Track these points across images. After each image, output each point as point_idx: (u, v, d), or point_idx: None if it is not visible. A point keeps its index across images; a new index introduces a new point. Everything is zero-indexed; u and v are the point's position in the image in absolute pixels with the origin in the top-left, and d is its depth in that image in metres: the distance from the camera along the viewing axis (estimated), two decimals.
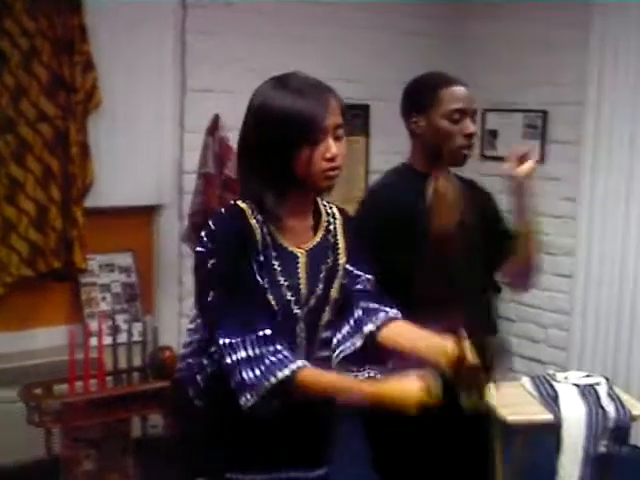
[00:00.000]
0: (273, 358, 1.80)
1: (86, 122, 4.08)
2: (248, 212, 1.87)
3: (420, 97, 2.57)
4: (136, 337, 3.74)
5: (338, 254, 2.03)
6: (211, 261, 1.85)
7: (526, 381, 3.51)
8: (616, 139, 4.60)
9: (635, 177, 4.54)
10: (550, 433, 3.21)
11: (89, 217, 4.07)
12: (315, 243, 1.98)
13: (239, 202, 1.90)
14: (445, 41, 5.45)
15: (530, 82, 5.10)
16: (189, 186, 4.31)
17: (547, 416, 3.23)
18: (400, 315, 2.07)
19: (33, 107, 3.94)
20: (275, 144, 1.84)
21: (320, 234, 2.00)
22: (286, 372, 1.79)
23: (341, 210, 2.11)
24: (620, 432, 3.22)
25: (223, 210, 1.93)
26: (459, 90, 2.56)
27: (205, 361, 1.95)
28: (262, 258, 1.86)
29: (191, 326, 2.02)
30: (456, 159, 2.59)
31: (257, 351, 1.80)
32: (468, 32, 5.43)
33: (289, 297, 1.91)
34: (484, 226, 2.73)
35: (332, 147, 1.86)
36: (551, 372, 3.59)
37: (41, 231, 3.99)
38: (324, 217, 2.03)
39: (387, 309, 2.06)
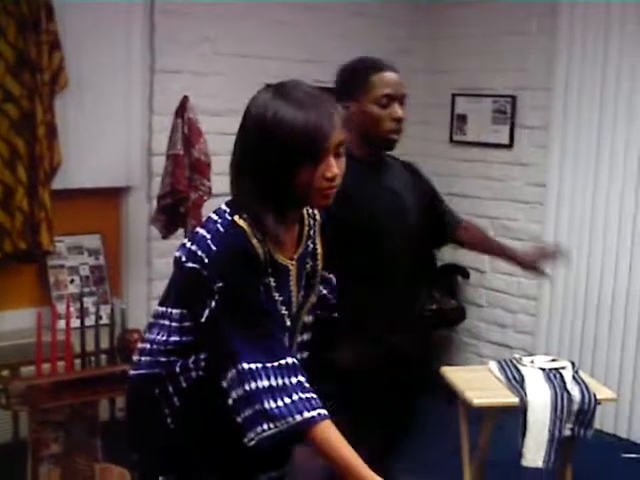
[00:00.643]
0: (302, 395, 1.74)
1: (53, 102, 4.03)
2: (249, 232, 1.79)
3: (351, 83, 2.62)
4: (104, 320, 3.72)
5: (317, 260, 2.02)
6: (218, 284, 1.76)
7: (493, 365, 3.55)
8: (584, 125, 4.63)
9: (603, 163, 4.58)
10: (516, 416, 3.24)
11: (57, 199, 4.03)
12: (300, 251, 1.96)
13: (237, 219, 1.81)
14: (415, 26, 5.46)
15: (499, 67, 5.12)
16: (158, 168, 4.28)
17: (513, 399, 3.27)
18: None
19: None
20: (276, 163, 1.77)
21: (303, 242, 1.97)
22: (314, 414, 1.72)
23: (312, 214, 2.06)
24: (585, 415, 3.26)
25: (221, 227, 1.81)
26: (389, 75, 2.63)
27: (183, 361, 1.89)
28: (265, 280, 1.82)
29: (157, 324, 1.94)
30: (385, 143, 2.65)
31: (280, 381, 1.74)
32: (437, 17, 5.44)
33: (283, 311, 1.89)
34: (422, 208, 2.80)
35: (333, 167, 1.80)
36: (517, 356, 3.63)
37: (7, 212, 3.94)
38: (306, 222, 1.99)
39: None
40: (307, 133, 1.75)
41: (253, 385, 1.73)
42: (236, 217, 1.81)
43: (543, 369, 3.43)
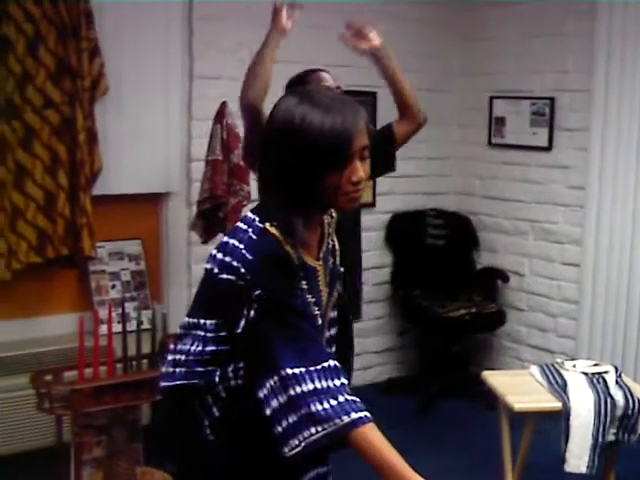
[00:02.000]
0: (347, 397, 1.74)
1: (93, 109, 4.07)
2: (282, 238, 1.79)
3: (294, 83, 3.23)
4: (145, 324, 3.74)
5: (336, 256, 2.05)
6: (256, 292, 1.75)
7: (535, 370, 3.52)
8: (624, 126, 4.58)
9: None
10: (556, 420, 3.22)
11: (97, 204, 4.07)
12: (323, 252, 1.97)
13: (268, 227, 1.81)
14: (452, 28, 5.45)
15: (537, 69, 5.08)
16: (197, 173, 4.30)
17: (556, 404, 3.24)
18: None
19: (39, 93, 3.93)
20: (304, 167, 1.77)
21: (325, 241, 1.99)
22: (361, 415, 1.72)
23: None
24: (629, 420, 3.23)
25: (253, 236, 1.80)
26: (322, 73, 3.30)
27: (222, 371, 1.88)
28: (300, 283, 1.83)
29: (191, 334, 1.92)
30: None
31: (325, 384, 1.74)
32: (475, 19, 5.42)
33: (316, 312, 1.91)
34: None
35: (359, 171, 1.80)
36: (560, 361, 3.60)
37: (49, 218, 3.98)
38: (325, 221, 2.01)
39: None
40: (334, 137, 1.75)
41: (298, 389, 1.72)
42: (267, 225, 1.81)
43: (586, 373, 3.40)
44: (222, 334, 1.86)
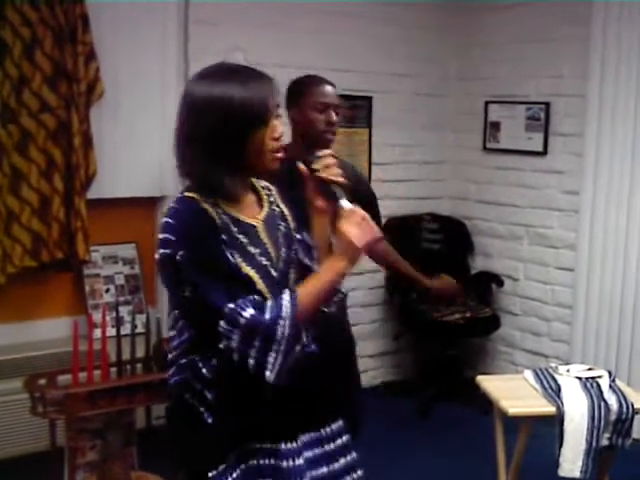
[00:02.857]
0: (270, 302, 1.90)
1: (89, 112, 4.07)
2: (199, 198, 1.93)
3: (294, 91, 3.13)
4: (139, 328, 3.74)
5: (287, 221, 2.15)
6: (180, 253, 1.88)
7: (528, 374, 3.52)
8: (619, 132, 4.59)
9: (638, 170, 4.54)
10: (550, 425, 3.22)
11: (92, 208, 4.07)
12: (266, 213, 2.08)
13: (187, 194, 1.95)
14: (447, 33, 5.46)
15: (532, 74, 5.10)
16: None
17: (549, 409, 3.24)
18: None
19: (35, 97, 3.93)
20: (230, 132, 1.92)
21: (266, 205, 2.11)
22: (286, 298, 1.90)
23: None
24: (622, 425, 3.22)
25: (175, 205, 1.96)
26: (326, 88, 3.13)
27: (201, 355, 1.97)
28: (225, 237, 1.93)
29: (173, 332, 2.03)
30: (321, 142, 3.02)
31: (259, 304, 1.89)
32: (470, 24, 5.43)
33: (265, 262, 2.00)
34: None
35: (278, 127, 1.98)
36: (553, 365, 3.60)
37: (44, 222, 3.99)
38: (262, 191, 2.13)
39: None
40: (255, 99, 1.91)
41: (243, 319, 1.86)
42: (186, 193, 1.96)
43: (580, 378, 3.40)
44: (180, 323, 2.00)
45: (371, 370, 5.40)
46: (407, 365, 5.58)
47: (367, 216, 1.99)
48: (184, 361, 1.99)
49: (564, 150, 4.95)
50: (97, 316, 3.82)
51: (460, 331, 5.07)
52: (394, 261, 3.55)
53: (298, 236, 2.14)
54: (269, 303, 1.89)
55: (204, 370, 1.96)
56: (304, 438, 2.07)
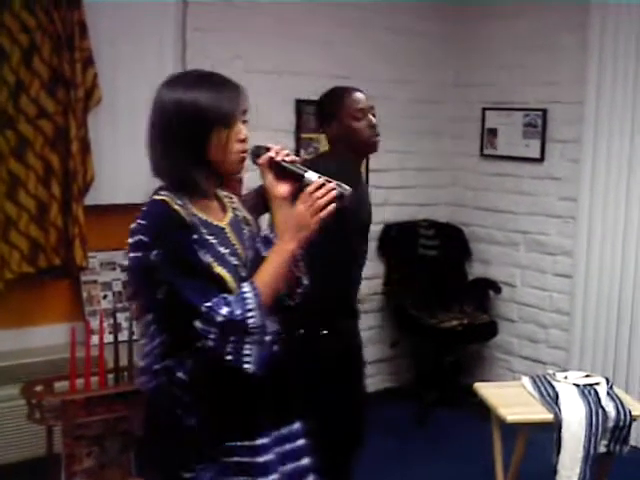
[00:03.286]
0: (232, 297, 1.94)
1: (86, 118, 4.07)
2: (169, 200, 1.98)
3: (329, 107, 3.20)
4: (137, 335, 3.73)
5: (251, 225, 2.22)
6: (154, 253, 1.92)
7: (526, 381, 3.52)
8: (616, 138, 4.60)
9: (635, 177, 4.55)
10: (550, 433, 3.22)
11: (89, 214, 4.06)
12: (230, 218, 2.14)
13: (156, 196, 2.00)
14: (445, 40, 5.48)
15: (529, 81, 5.11)
16: None
17: (547, 416, 3.25)
18: None
19: (33, 103, 3.92)
20: (196, 133, 2.00)
21: (230, 211, 2.17)
22: (255, 290, 1.95)
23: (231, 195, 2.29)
24: (620, 432, 3.24)
25: (146, 207, 2.01)
26: (358, 94, 3.20)
27: (175, 359, 2.00)
28: (196, 236, 1.97)
29: (144, 339, 2.07)
30: (368, 147, 3.23)
31: (229, 300, 1.94)
32: (467, 31, 5.44)
33: (235, 262, 2.05)
34: None
35: (244, 129, 2.05)
36: (551, 372, 3.60)
37: (42, 228, 3.97)
38: (224, 198, 2.19)
39: None
40: (221, 102, 2.00)
41: (220, 317, 1.90)
42: (155, 196, 2.01)
43: (577, 385, 3.41)
44: (152, 328, 2.03)
45: (368, 377, 5.38)
46: (404, 372, 5.57)
47: (320, 190, 2.01)
48: (158, 367, 2.02)
49: (561, 157, 4.96)
50: (95, 323, 3.82)
51: (457, 338, 5.07)
52: None
53: (269, 235, 2.18)
54: (232, 298, 1.93)
55: (179, 374, 1.99)
56: (276, 434, 2.11)
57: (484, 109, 5.37)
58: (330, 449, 3.09)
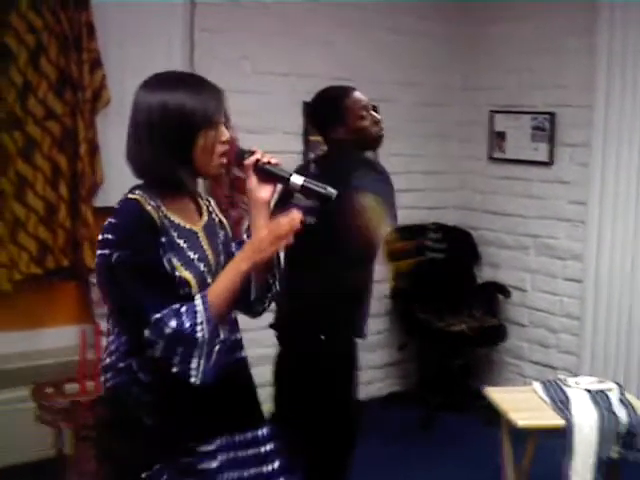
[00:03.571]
0: (184, 308, 1.94)
1: (94, 120, 4.06)
2: (142, 200, 1.99)
3: (332, 112, 3.17)
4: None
5: (226, 230, 2.25)
6: (115, 255, 1.93)
7: (537, 386, 3.50)
8: (625, 142, 4.59)
9: None
10: (561, 438, 3.20)
11: (98, 216, 4.04)
12: (205, 222, 2.16)
13: (130, 195, 2.01)
14: (453, 42, 5.47)
15: (537, 84, 5.10)
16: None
17: (559, 421, 3.23)
18: None
19: (41, 104, 3.92)
20: (181, 134, 2.01)
21: (205, 214, 2.18)
22: (205, 303, 1.95)
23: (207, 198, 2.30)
24: (632, 438, 3.21)
25: (118, 205, 2.02)
26: (355, 94, 3.20)
27: (137, 358, 2.01)
28: (164, 239, 1.98)
29: (111, 336, 2.09)
30: (376, 143, 3.28)
31: (180, 311, 1.94)
32: (475, 34, 5.44)
33: (202, 268, 2.05)
34: None
35: (226, 131, 2.07)
36: (562, 377, 3.59)
37: (50, 229, 3.97)
38: (201, 203, 2.20)
39: None
40: (203, 104, 2.01)
41: (169, 328, 1.90)
42: (129, 194, 2.02)
43: (589, 390, 3.39)
44: (117, 329, 2.06)
45: (376, 381, 5.37)
46: (411, 375, 5.55)
47: (289, 218, 2.00)
48: (122, 365, 2.04)
49: (570, 160, 4.94)
50: (104, 325, 3.78)
51: (466, 341, 5.05)
52: None
53: (237, 241, 2.21)
54: (183, 309, 1.93)
55: (140, 374, 2.01)
56: (230, 439, 2.12)
57: (492, 112, 5.35)
58: (324, 451, 3.13)
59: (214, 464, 2.06)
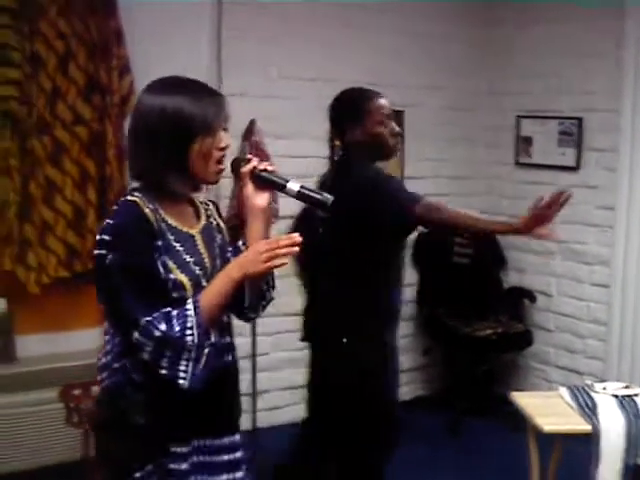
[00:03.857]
0: (175, 312, 1.95)
1: (123, 125, 4.09)
2: (141, 203, 1.99)
3: (353, 111, 3.15)
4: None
5: (223, 234, 2.24)
6: (110, 256, 1.94)
7: (564, 391, 3.48)
8: None
9: None
10: (588, 444, 3.18)
11: None
12: (203, 225, 2.17)
13: (129, 197, 2.02)
14: (478, 47, 5.45)
15: (564, 89, 5.07)
16: (226, 190, 4.31)
17: (585, 427, 3.20)
18: None
19: (69, 110, 3.97)
20: (178, 139, 2.01)
21: (204, 218, 2.19)
22: (197, 308, 1.95)
23: (211, 201, 2.30)
24: None
25: (116, 207, 2.04)
26: (382, 100, 3.16)
27: (131, 359, 2.02)
28: (160, 242, 1.99)
29: (107, 337, 2.10)
30: (390, 154, 3.23)
31: (171, 316, 1.95)
32: (502, 38, 5.42)
33: (198, 272, 2.06)
34: None
35: (224, 138, 2.07)
36: (589, 382, 3.56)
37: (78, 233, 4.01)
38: (199, 205, 2.21)
39: None
40: (202, 110, 2.01)
41: (158, 332, 1.91)
42: (128, 196, 2.03)
43: (616, 396, 3.36)
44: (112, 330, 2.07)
45: (401, 385, 5.35)
46: (436, 380, 5.54)
47: (274, 242, 1.98)
48: (117, 365, 2.06)
49: (597, 165, 4.91)
50: None
51: (492, 346, 5.03)
52: (469, 224, 3.10)
53: (232, 247, 2.22)
54: (174, 313, 1.94)
55: (134, 375, 2.02)
56: (203, 442, 2.13)
57: (518, 117, 5.34)
58: (361, 452, 3.15)
59: (184, 466, 2.07)
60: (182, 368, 1.94)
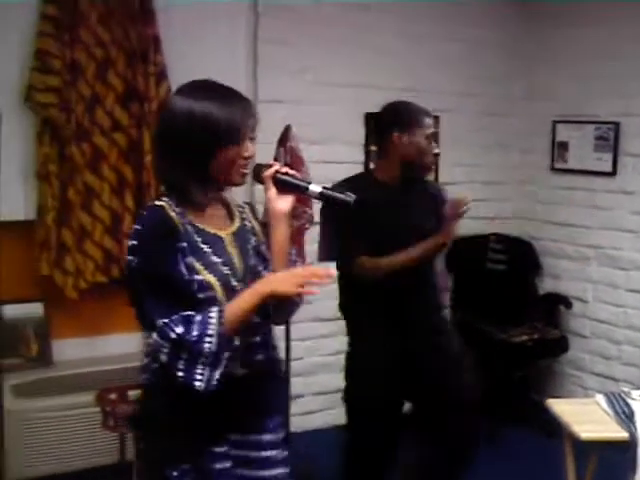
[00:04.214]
0: (199, 317, 1.98)
1: None
2: (167, 207, 2.04)
3: (406, 117, 3.20)
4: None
5: (258, 235, 2.26)
6: (135, 260, 2.00)
7: (600, 398, 3.45)
8: None
9: None
10: (625, 452, 3.15)
11: None
12: (236, 228, 2.19)
13: (156, 202, 2.06)
14: (513, 52, 5.43)
15: (601, 93, 5.03)
16: (261, 196, 4.32)
17: (622, 434, 3.17)
18: None
19: (108, 116, 4.01)
20: (209, 144, 2.04)
21: (238, 220, 2.22)
22: (213, 315, 1.98)
23: (247, 203, 2.36)
24: None
25: (144, 212, 2.09)
26: (428, 120, 3.23)
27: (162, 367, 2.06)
28: (185, 244, 2.01)
29: (145, 340, 2.13)
30: (425, 172, 3.36)
31: (189, 321, 1.98)
32: (537, 42, 5.39)
33: (226, 271, 2.08)
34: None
35: (250, 147, 2.10)
36: (626, 389, 3.53)
37: (115, 239, 4.05)
38: (233, 207, 2.24)
39: None
40: (230, 115, 2.04)
41: (174, 334, 1.95)
42: (156, 201, 2.08)
43: None
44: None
45: None
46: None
47: (306, 272, 2.01)
48: (155, 366, 2.09)
49: (634, 170, 4.87)
50: None
51: (527, 353, 5.00)
52: (391, 267, 3.23)
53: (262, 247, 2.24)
54: (197, 318, 1.96)
55: (161, 375, 2.06)
56: (272, 436, 2.22)
57: (554, 122, 5.31)
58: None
59: (227, 464, 2.11)
60: (199, 371, 1.96)
